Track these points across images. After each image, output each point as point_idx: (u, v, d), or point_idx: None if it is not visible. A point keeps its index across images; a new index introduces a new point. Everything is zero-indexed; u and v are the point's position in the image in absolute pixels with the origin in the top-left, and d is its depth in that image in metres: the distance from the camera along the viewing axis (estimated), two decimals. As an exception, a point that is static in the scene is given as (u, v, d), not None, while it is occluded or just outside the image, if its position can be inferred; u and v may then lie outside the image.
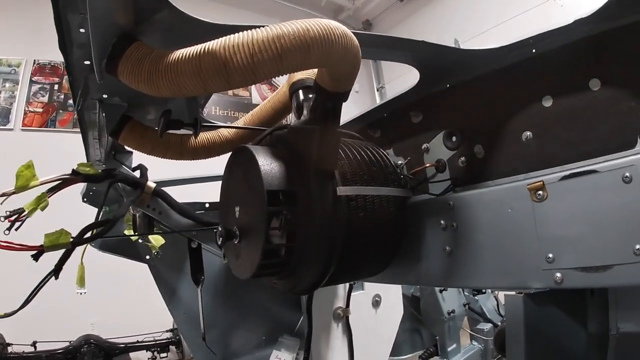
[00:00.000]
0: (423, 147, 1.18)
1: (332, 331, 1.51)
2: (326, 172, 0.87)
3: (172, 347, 3.84)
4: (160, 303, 3.95)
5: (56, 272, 1.13)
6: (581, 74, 0.89)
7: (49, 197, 1.15)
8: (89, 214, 1.52)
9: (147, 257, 1.80)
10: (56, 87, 4.95)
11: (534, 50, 0.95)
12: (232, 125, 1.14)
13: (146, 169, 1.45)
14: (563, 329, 0.91)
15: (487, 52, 0.96)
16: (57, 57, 4.81)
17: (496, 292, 2.27)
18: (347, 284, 1.57)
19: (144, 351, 3.68)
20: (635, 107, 0.83)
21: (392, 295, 1.67)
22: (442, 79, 1.11)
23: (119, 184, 1.39)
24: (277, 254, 0.87)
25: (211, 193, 1.69)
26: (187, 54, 0.67)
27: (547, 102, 0.95)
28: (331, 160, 0.88)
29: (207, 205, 1.79)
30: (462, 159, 1.10)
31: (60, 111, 4.89)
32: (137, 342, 3.65)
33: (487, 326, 2.11)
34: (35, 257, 1.06)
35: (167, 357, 3.79)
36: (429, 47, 0.93)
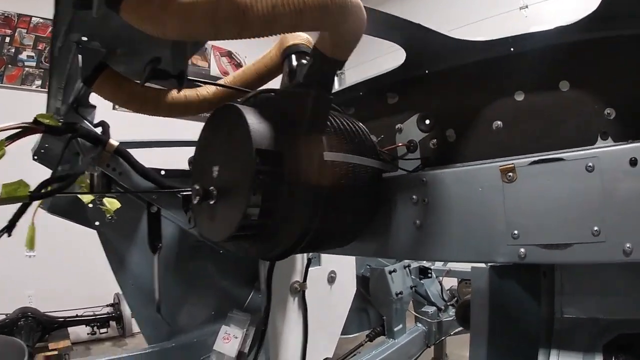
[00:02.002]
0: (396, 127, 1.18)
1: (289, 305, 1.48)
2: (315, 137, 0.84)
3: (113, 323, 3.59)
4: (102, 276, 3.67)
5: (9, 228, 1.00)
6: (553, 74, 0.94)
7: (6, 145, 1.01)
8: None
9: (97, 223, 1.65)
10: (7, 39, 4.36)
11: (512, 49, 0.98)
12: (219, 83, 1.06)
13: (108, 126, 1.32)
14: (521, 304, 0.96)
15: (474, 44, 0.98)
16: (11, 7, 4.25)
17: (440, 277, 2.37)
18: (305, 258, 1.54)
19: (83, 326, 3.40)
20: (597, 110, 0.89)
21: (347, 272, 1.68)
22: (424, 64, 1.11)
23: (78, 139, 1.25)
24: (258, 215, 0.82)
25: (169, 161, 1.59)
26: None
27: (519, 97, 0.99)
28: (322, 125, 0.85)
29: (162, 172, 1.67)
30: (434, 141, 1.12)
31: (9, 66, 4.31)
32: (77, 316, 3.36)
33: (431, 309, 2.20)
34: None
35: (107, 332, 3.51)
36: (424, 31, 0.93)
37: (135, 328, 3.51)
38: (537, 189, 0.84)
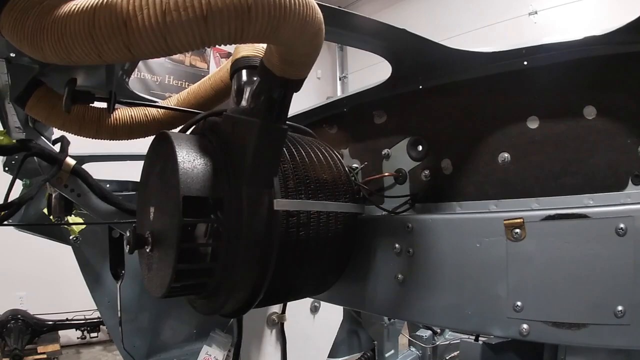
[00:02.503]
0: (383, 153, 0.98)
1: (265, 337, 1.33)
2: (263, 179, 0.65)
3: (103, 327, 3.47)
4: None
5: None
6: (575, 98, 0.73)
7: None
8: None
9: (72, 237, 1.51)
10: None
11: (525, 63, 0.77)
12: (158, 104, 0.89)
13: (68, 143, 1.17)
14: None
15: (476, 56, 0.77)
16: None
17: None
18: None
19: (74, 330, 3.33)
20: (630, 145, 0.68)
21: (334, 301, 1.50)
22: (416, 79, 0.90)
23: (35, 158, 1.10)
24: (193, 275, 0.65)
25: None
26: (80, 7, 0.45)
27: (533, 124, 0.78)
28: (271, 163, 0.66)
29: (107, 185, 1.51)
30: (426, 172, 0.91)
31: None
32: (67, 319, 3.30)
33: (426, 333, 2.01)
34: None
35: (97, 337, 3.45)
36: (411, 39, 0.72)
37: None
38: (550, 252, 0.65)
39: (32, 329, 2.88)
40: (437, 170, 0.90)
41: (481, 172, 0.84)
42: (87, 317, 3.30)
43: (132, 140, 0.94)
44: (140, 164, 1.47)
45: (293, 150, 0.75)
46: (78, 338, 3.36)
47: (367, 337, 1.90)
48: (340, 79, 6.37)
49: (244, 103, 0.69)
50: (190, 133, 0.81)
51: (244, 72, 0.71)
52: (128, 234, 0.70)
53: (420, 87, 0.93)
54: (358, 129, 1.06)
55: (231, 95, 0.73)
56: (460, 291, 0.73)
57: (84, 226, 1.27)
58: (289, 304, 1.37)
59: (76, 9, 0.45)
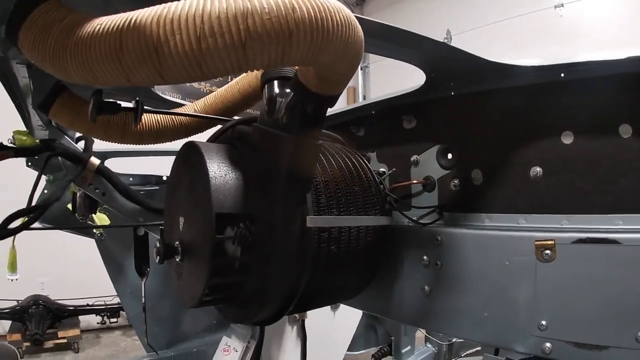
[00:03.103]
0: (412, 159, 0.99)
1: (286, 334, 1.38)
2: (297, 195, 0.68)
3: (123, 313, 3.61)
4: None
5: None
6: (612, 115, 0.73)
7: None
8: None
9: (97, 233, 1.57)
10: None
11: (562, 75, 0.76)
12: (184, 112, 0.91)
13: (92, 141, 1.20)
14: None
15: (514, 69, 0.76)
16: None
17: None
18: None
19: (94, 315, 3.47)
20: None
21: (353, 298, 1.55)
22: (448, 85, 0.90)
23: (59, 157, 1.15)
24: (224, 288, 0.69)
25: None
26: (105, 28, 0.44)
27: (567, 139, 0.78)
28: (304, 179, 0.68)
29: (164, 178, 1.55)
30: (456, 181, 0.92)
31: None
32: (87, 305, 3.43)
33: None
34: None
35: (117, 322, 3.59)
36: (448, 50, 0.72)
37: None
38: (579, 275, 0.68)
39: (53, 314, 3.02)
40: (466, 180, 0.91)
41: (512, 185, 0.85)
42: (107, 302, 3.45)
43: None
44: (160, 159, 1.50)
45: (324, 162, 0.77)
46: (98, 323, 3.51)
47: (384, 332, 1.95)
48: (361, 69, 6.33)
49: (277, 114, 0.70)
50: (219, 140, 0.83)
51: (275, 82, 0.72)
52: (158, 245, 0.73)
53: (453, 93, 0.93)
54: (386, 133, 1.07)
55: (262, 104, 0.75)
56: (486, 306, 0.76)
57: (108, 222, 1.32)
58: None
59: (101, 29, 0.45)
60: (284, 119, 0.67)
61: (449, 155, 0.94)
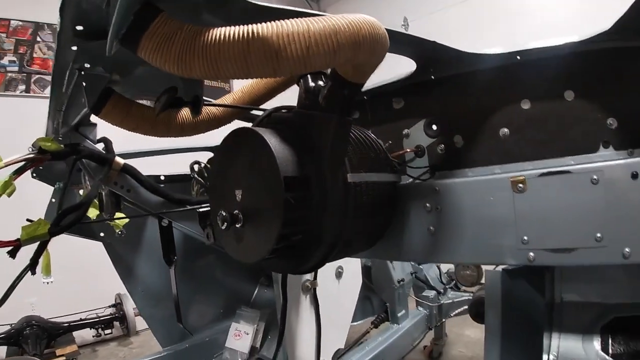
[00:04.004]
0: (404, 132, 1.25)
1: (301, 303, 1.57)
2: (338, 159, 0.90)
3: (116, 323, 3.69)
4: (100, 279, 3.71)
5: (32, 267, 1.03)
6: (558, 84, 1.01)
7: (14, 179, 1.03)
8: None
9: (102, 234, 1.68)
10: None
11: (518, 57, 1.05)
12: (234, 105, 1.09)
13: (111, 143, 1.33)
14: (529, 300, 1.08)
15: (483, 57, 1.04)
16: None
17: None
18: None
19: (88, 329, 3.48)
20: (600, 119, 0.97)
21: (353, 266, 1.78)
22: (428, 71, 1.17)
23: (83, 160, 1.26)
24: (289, 238, 0.88)
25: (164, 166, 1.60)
26: (232, 36, 0.61)
27: (525, 105, 1.06)
28: (343, 147, 0.90)
29: (162, 177, 1.70)
30: (442, 146, 1.19)
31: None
32: (81, 319, 3.44)
33: (431, 293, 2.35)
34: (12, 253, 0.95)
35: (111, 333, 3.60)
36: (437, 47, 0.98)
37: (140, 326, 3.62)
38: (546, 199, 0.93)
39: (48, 333, 2.98)
40: (450, 145, 1.18)
41: (486, 144, 1.12)
42: (99, 315, 3.44)
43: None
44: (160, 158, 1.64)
45: (351, 134, 1.00)
46: (93, 336, 3.51)
47: (379, 301, 2.20)
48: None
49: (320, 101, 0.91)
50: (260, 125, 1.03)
51: (309, 76, 0.94)
52: (223, 213, 0.91)
53: (433, 77, 1.20)
54: (378, 114, 1.31)
55: (299, 94, 0.96)
56: (480, 234, 1.01)
57: (127, 221, 1.45)
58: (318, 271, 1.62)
59: (228, 36, 0.61)
60: (325, 103, 0.88)
61: (434, 127, 1.20)
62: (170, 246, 1.43)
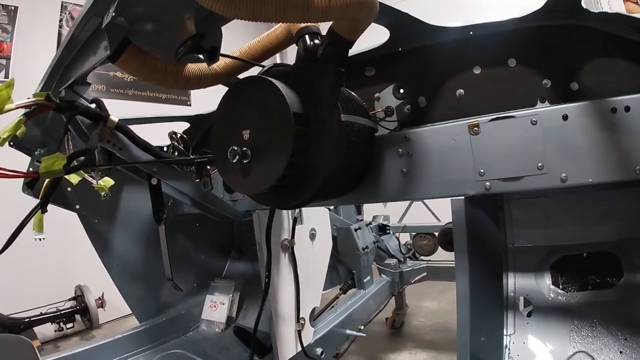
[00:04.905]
0: (375, 96, 1.49)
1: (281, 261, 1.72)
2: (334, 102, 1.10)
3: (78, 317, 3.56)
4: (55, 271, 3.58)
5: (43, 205, 1.09)
6: (503, 53, 1.29)
7: (24, 122, 1.10)
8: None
9: (77, 206, 1.72)
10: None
11: (471, 32, 1.33)
12: (239, 57, 1.25)
13: (103, 102, 1.41)
14: (489, 230, 1.33)
15: (443, 28, 1.30)
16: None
17: (397, 233, 2.79)
18: (291, 217, 1.80)
19: (49, 324, 3.35)
20: (537, 81, 1.25)
21: (324, 229, 1.97)
22: (396, 43, 1.42)
23: (77, 117, 1.34)
24: (293, 167, 1.05)
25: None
26: None
27: (477, 70, 1.34)
28: (338, 92, 1.11)
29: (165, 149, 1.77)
30: (408, 107, 1.44)
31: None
32: (41, 314, 3.29)
33: (393, 261, 2.60)
34: (31, 185, 1.02)
35: (73, 327, 3.47)
36: (407, 18, 1.23)
37: (103, 319, 3.55)
38: (496, 139, 1.17)
39: (8, 330, 2.81)
40: (415, 105, 1.43)
41: (446, 104, 1.39)
42: (59, 308, 3.33)
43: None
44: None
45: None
46: (55, 331, 3.37)
47: (345, 270, 2.40)
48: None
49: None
50: None
51: (306, 36, 1.14)
52: (235, 148, 1.07)
53: (400, 49, 1.46)
54: (353, 81, 1.54)
55: (297, 51, 1.15)
56: (445, 171, 1.23)
57: (113, 183, 1.52)
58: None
59: None
60: (323, 56, 1.08)
61: (401, 90, 1.46)
62: (160, 204, 1.53)
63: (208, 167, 1.61)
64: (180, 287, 1.98)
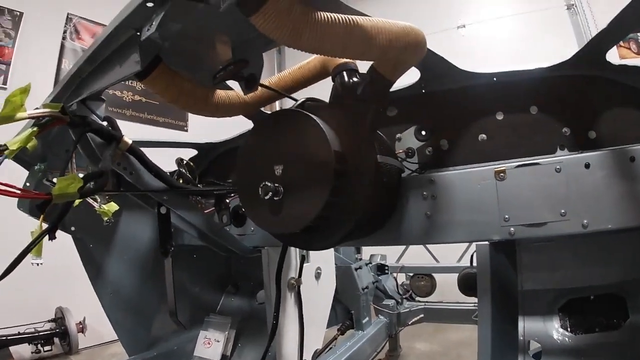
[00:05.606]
0: (396, 137, 1.51)
1: (287, 300, 1.68)
2: (371, 142, 1.11)
3: (56, 339, 3.38)
4: (36, 292, 3.39)
5: (52, 230, 1.02)
6: (525, 101, 1.36)
7: (37, 135, 1.04)
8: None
9: (72, 228, 1.63)
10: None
11: (494, 79, 1.39)
12: (279, 90, 1.25)
13: (115, 122, 1.37)
14: (508, 276, 1.35)
15: (471, 74, 1.35)
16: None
17: (395, 273, 2.78)
18: (299, 256, 1.76)
19: (26, 344, 3.18)
20: (557, 128, 1.31)
21: (329, 268, 1.94)
22: (424, 87, 1.46)
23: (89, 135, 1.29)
24: (330, 207, 1.03)
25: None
26: (337, 20, 0.80)
27: (500, 116, 1.40)
28: (375, 132, 1.12)
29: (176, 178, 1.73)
30: (429, 149, 1.47)
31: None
32: (19, 333, 3.13)
33: (391, 302, 2.58)
34: (42, 208, 0.96)
35: (51, 350, 3.24)
36: (441, 61, 1.27)
37: (82, 344, 3.34)
38: (521, 185, 1.21)
39: None
40: (437, 147, 1.47)
41: (468, 147, 1.43)
42: (38, 329, 3.14)
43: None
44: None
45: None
46: (32, 352, 3.18)
47: (342, 309, 2.35)
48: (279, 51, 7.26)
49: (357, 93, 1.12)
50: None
51: (344, 73, 1.16)
52: (268, 184, 1.05)
53: (423, 91, 1.50)
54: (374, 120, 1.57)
55: (334, 87, 1.17)
56: (470, 216, 1.26)
57: (117, 208, 1.46)
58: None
59: (335, 20, 0.79)
60: (363, 95, 1.10)
61: (423, 132, 1.49)
62: (168, 235, 1.47)
63: (227, 200, 1.57)
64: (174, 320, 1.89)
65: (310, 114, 1.06)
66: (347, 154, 1.05)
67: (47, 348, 3.26)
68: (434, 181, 1.33)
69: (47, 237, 0.99)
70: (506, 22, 5.42)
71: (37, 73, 4.02)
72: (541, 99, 1.33)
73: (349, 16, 0.83)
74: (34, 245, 1.04)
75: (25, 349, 3.24)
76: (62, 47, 4.46)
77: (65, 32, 4.51)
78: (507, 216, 1.22)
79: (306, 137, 1.05)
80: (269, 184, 1.04)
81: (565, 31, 5.05)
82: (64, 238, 1.70)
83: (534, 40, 5.05)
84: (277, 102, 1.49)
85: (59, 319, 3.46)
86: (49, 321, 3.46)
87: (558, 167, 1.18)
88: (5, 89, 3.86)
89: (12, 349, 3.02)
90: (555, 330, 1.51)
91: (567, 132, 1.29)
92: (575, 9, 5.09)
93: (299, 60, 1.34)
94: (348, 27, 0.81)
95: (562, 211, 1.15)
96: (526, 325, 1.54)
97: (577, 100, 1.29)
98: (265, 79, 1.33)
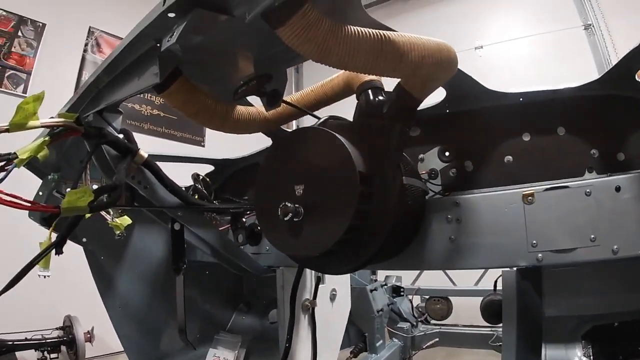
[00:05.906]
0: (419, 157, 1.47)
1: (300, 322, 1.63)
2: (397, 162, 1.08)
3: (64, 348, 3.34)
4: (47, 297, 3.41)
5: (59, 244, 0.99)
6: (552, 121, 1.32)
7: (48, 144, 1.00)
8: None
9: (84, 239, 1.62)
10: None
11: (521, 99, 1.36)
12: (302, 108, 1.23)
13: (132, 134, 1.35)
14: (534, 303, 1.29)
15: (497, 94, 1.32)
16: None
17: (410, 295, 2.71)
18: (314, 277, 1.72)
19: (33, 350, 3.15)
20: (585, 151, 1.28)
21: (344, 290, 1.89)
22: (443, 105, 1.44)
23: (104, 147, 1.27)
24: (353, 230, 1.00)
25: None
26: (368, 35, 0.78)
27: (526, 137, 1.36)
28: (401, 153, 1.09)
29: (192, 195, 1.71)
30: (454, 170, 1.43)
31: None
32: (26, 339, 3.11)
33: (405, 325, 2.51)
34: (49, 222, 0.93)
35: (57, 358, 3.22)
36: (468, 80, 1.24)
37: (89, 353, 3.33)
38: (550, 209, 1.16)
39: None
40: (461, 169, 1.43)
41: (493, 169, 1.39)
42: (45, 336, 3.14)
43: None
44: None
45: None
46: (39, 359, 3.16)
47: (356, 331, 2.30)
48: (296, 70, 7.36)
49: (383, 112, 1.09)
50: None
51: (369, 91, 1.14)
52: (288, 205, 1.01)
53: (447, 110, 1.47)
54: (395, 140, 1.54)
55: (359, 105, 1.14)
56: (496, 240, 1.21)
57: (129, 222, 1.44)
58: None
59: (366, 35, 0.77)
60: (389, 113, 1.07)
61: (447, 153, 1.45)
62: (181, 252, 1.44)
63: (244, 219, 1.55)
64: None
65: (334, 133, 1.04)
66: (372, 176, 1.02)
67: (53, 355, 3.24)
68: (459, 204, 1.29)
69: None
70: (523, 43, 5.42)
71: (57, 83, 4.10)
72: (568, 120, 1.29)
73: (379, 31, 0.81)
74: (40, 258, 1.02)
75: (31, 355, 3.24)
76: (83, 59, 4.56)
77: (86, 44, 4.62)
78: (534, 241, 1.17)
79: (330, 157, 1.02)
80: (289, 205, 1.01)
81: (583, 52, 5.01)
82: (77, 246, 1.69)
83: (552, 61, 5.03)
84: (293, 122, 1.46)
85: (67, 327, 3.45)
86: (56, 329, 3.46)
87: (588, 190, 1.13)
88: (25, 97, 3.92)
89: (18, 354, 3.03)
90: (578, 358, 1.45)
91: (595, 153, 1.25)
92: (593, 29, 5.04)
93: (317, 80, 1.32)
94: (379, 43, 0.80)
95: (592, 236, 1.11)
96: (547, 353, 1.48)
97: (606, 121, 1.25)
98: (285, 97, 1.32)
